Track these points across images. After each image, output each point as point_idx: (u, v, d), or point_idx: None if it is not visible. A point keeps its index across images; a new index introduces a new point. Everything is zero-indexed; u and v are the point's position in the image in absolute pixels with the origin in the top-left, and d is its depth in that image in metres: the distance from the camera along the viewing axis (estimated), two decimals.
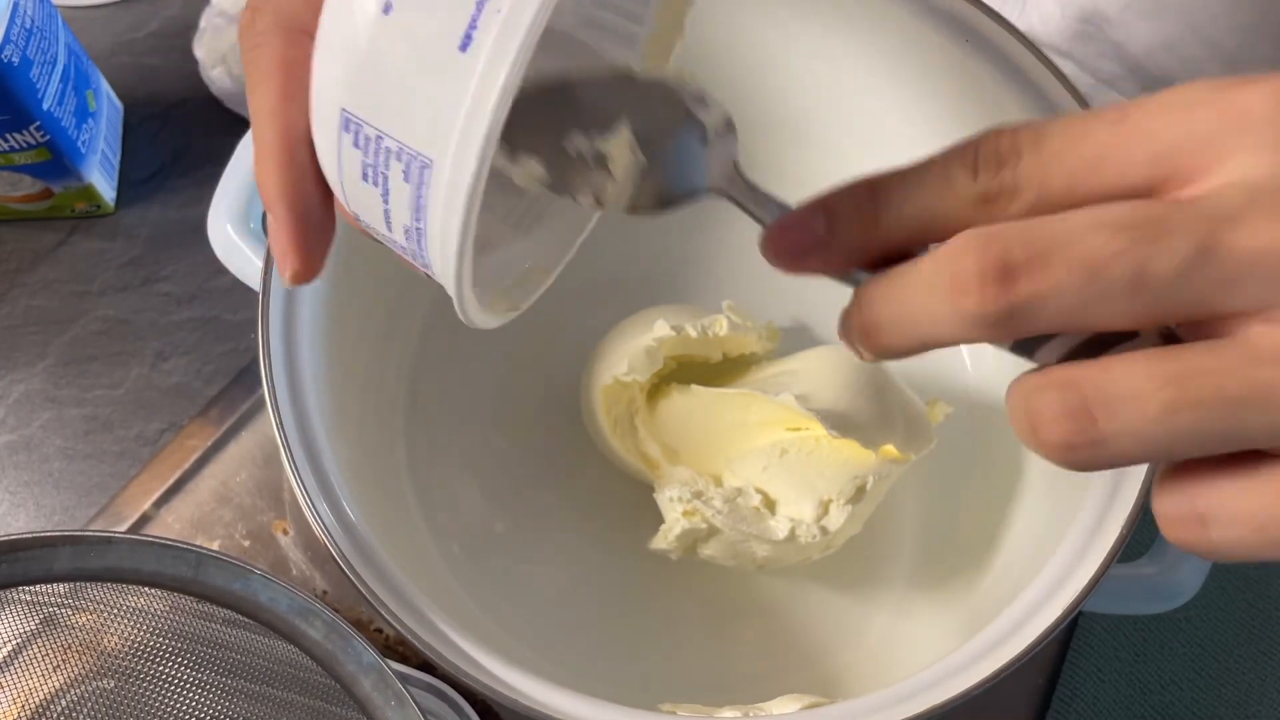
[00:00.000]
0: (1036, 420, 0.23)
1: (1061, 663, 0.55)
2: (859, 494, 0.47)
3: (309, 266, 0.30)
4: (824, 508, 0.47)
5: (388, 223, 0.27)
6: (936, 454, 0.49)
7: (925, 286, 0.25)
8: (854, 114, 0.56)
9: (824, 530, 0.47)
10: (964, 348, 0.57)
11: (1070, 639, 0.55)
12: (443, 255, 0.26)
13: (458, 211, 0.25)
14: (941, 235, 0.25)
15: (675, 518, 0.48)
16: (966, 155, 0.25)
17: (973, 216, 0.25)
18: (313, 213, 0.29)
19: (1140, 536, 0.57)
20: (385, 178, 0.26)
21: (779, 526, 0.47)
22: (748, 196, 0.30)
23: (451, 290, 0.27)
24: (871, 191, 0.27)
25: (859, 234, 0.27)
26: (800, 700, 0.44)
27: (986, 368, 0.56)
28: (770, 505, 0.48)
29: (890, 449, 0.47)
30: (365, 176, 0.26)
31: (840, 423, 0.45)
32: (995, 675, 0.39)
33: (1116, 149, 0.24)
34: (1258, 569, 0.57)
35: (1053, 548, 0.42)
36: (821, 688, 0.50)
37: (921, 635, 0.51)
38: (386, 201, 0.26)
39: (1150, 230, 0.22)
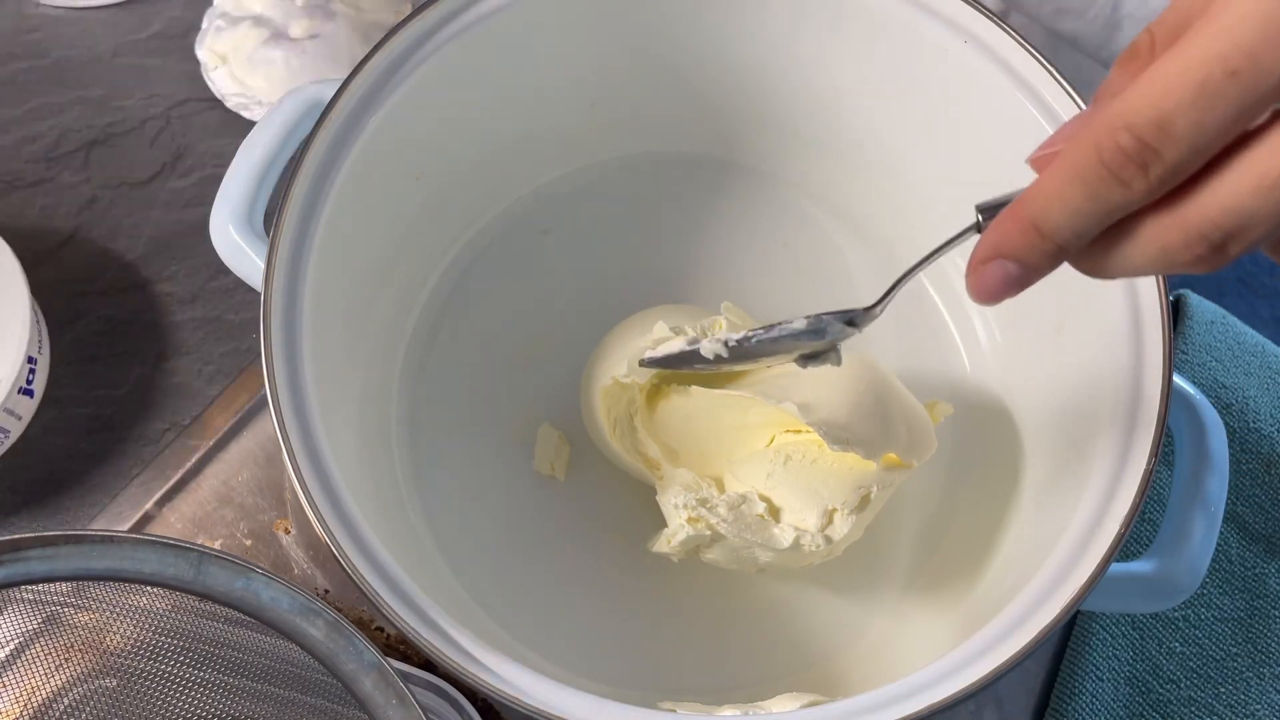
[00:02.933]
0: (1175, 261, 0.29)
1: (1060, 661, 0.55)
2: (863, 503, 0.47)
3: None
4: (828, 517, 0.47)
5: None
6: (936, 454, 0.49)
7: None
8: (848, 116, 0.56)
9: (828, 539, 0.47)
10: (962, 346, 0.57)
11: (1069, 638, 0.55)
12: None
13: None
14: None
15: (679, 524, 0.48)
16: (1098, 169, 0.28)
17: (1143, 203, 0.28)
18: None
19: (1138, 535, 0.57)
20: None
21: (783, 535, 0.47)
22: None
23: None
24: (1038, 231, 0.30)
25: (1048, 263, 0.31)
26: (799, 699, 0.44)
27: (986, 368, 0.56)
28: (774, 513, 0.48)
29: (893, 456, 0.47)
30: None
31: (841, 435, 0.45)
32: (994, 674, 0.39)
33: (1244, 98, 0.26)
34: (1255, 566, 0.58)
35: (1051, 546, 0.43)
36: (821, 686, 0.50)
37: (920, 634, 0.51)
38: None
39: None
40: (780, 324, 0.42)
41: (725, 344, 0.44)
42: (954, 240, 0.36)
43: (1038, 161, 0.32)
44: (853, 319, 0.41)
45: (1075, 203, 0.29)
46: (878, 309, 0.41)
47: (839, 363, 0.42)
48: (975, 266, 0.32)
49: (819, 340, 0.41)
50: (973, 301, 0.33)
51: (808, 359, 0.42)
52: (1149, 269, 0.30)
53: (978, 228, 0.34)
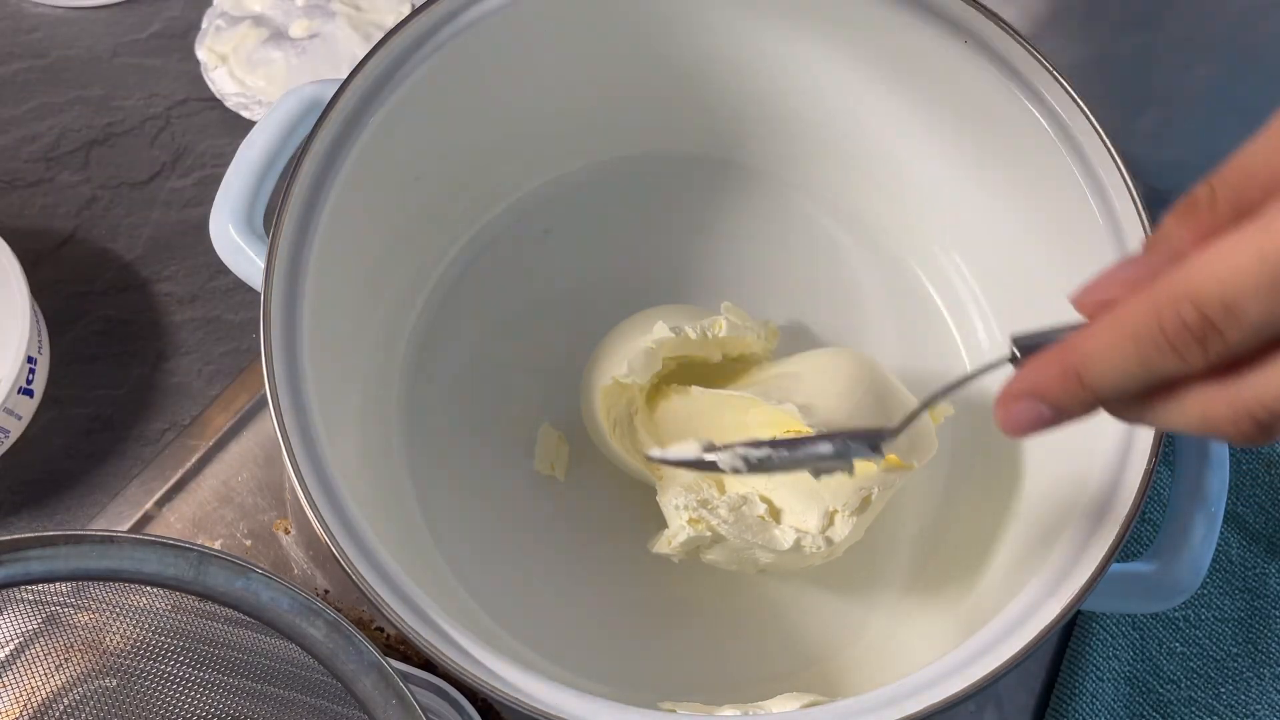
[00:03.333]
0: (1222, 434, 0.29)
1: (1060, 661, 0.55)
2: (864, 505, 0.47)
3: None
4: (829, 519, 0.47)
5: None
6: (936, 455, 0.49)
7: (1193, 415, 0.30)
8: (849, 116, 0.56)
9: (829, 541, 0.47)
10: (962, 346, 0.57)
11: (1069, 638, 0.55)
12: None
13: None
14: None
15: (680, 525, 0.48)
16: (1156, 337, 0.28)
17: (1194, 376, 0.28)
18: None
19: (1138, 535, 0.57)
20: None
21: (784, 537, 0.47)
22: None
23: None
24: (1080, 381, 0.30)
25: (1085, 411, 0.31)
26: (800, 699, 0.44)
27: None
28: (775, 515, 0.48)
29: (893, 458, 0.47)
30: None
31: None
32: (994, 674, 0.39)
33: None
34: (1256, 567, 0.58)
35: (1051, 546, 0.42)
36: (821, 687, 0.50)
37: (921, 634, 0.51)
38: None
39: None
40: (805, 442, 0.41)
41: (745, 460, 0.42)
42: (986, 369, 0.37)
43: (1083, 305, 0.32)
44: (876, 443, 0.40)
45: (1125, 364, 0.29)
46: (901, 431, 0.41)
47: (852, 473, 0.42)
48: (1008, 401, 0.32)
49: (840, 461, 0.41)
50: (1001, 431, 0.33)
51: (820, 470, 0.42)
52: (1187, 431, 0.30)
53: (1012, 359, 0.34)
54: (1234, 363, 0.28)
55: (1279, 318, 0.26)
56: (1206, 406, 0.28)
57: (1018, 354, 0.34)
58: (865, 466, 0.47)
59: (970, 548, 0.51)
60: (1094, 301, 0.31)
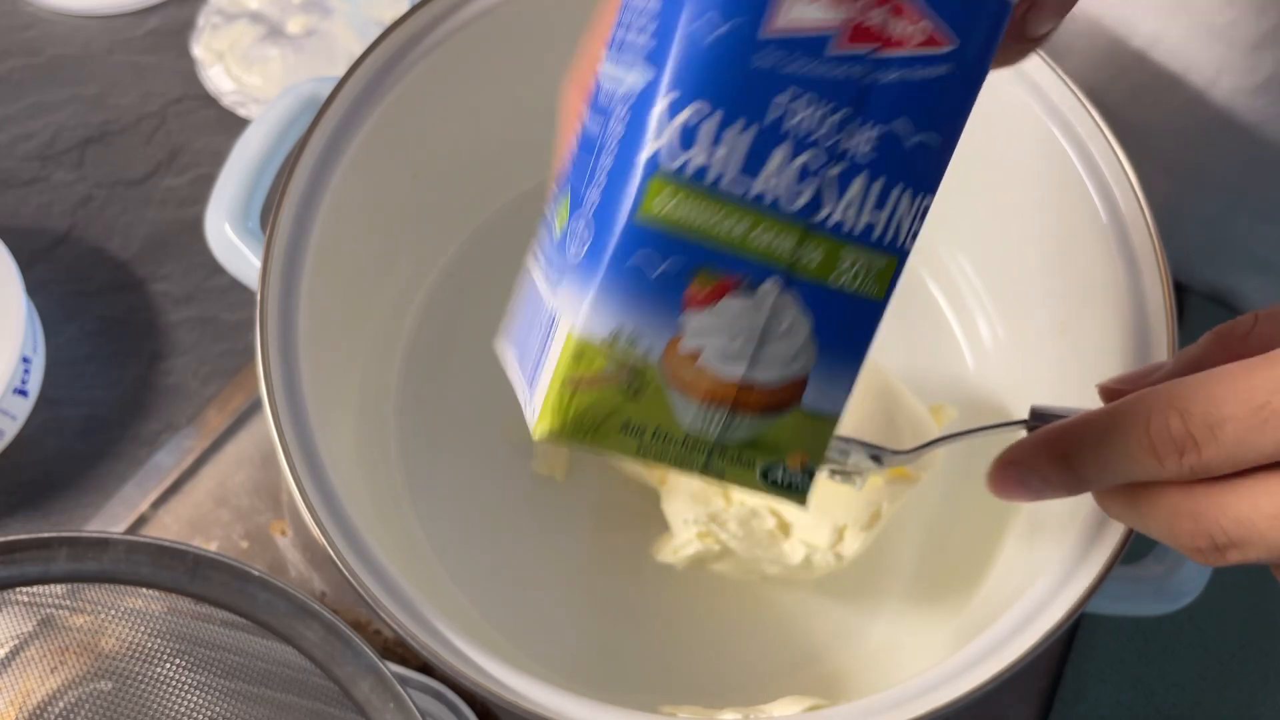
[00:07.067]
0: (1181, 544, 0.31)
1: (1064, 665, 0.55)
2: (873, 519, 0.47)
3: None
4: (839, 534, 0.47)
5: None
6: (939, 458, 0.49)
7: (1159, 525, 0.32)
8: None
9: (839, 556, 0.47)
10: (967, 350, 0.57)
11: (1073, 640, 0.55)
12: None
13: None
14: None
15: (688, 538, 0.47)
16: (1141, 437, 0.30)
17: (1170, 480, 0.30)
18: None
19: (1143, 537, 0.57)
20: None
21: (794, 552, 0.47)
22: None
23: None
24: (1068, 463, 0.32)
25: (1067, 491, 0.33)
26: (801, 702, 0.44)
27: (989, 368, 0.56)
28: (784, 529, 0.47)
29: (901, 469, 0.47)
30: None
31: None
32: (998, 677, 0.39)
33: None
34: (1261, 570, 0.57)
35: (1056, 549, 0.42)
36: (823, 690, 0.50)
37: (923, 637, 0.50)
38: None
39: None
40: None
41: None
42: (1000, 426, 0.38)
43: (1105, 392, 0.34)
44: (878, 455, 0.42)
45: (1109, 456, 0.31)
46: (905, 456, 0.42)
47: (859, 487, 0.43)
48: (1004, 465, 0.34)
49: (844, 459, 0.42)
50: (987, 488, 0.35)
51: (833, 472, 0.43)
52: (1153, 534, 0.32)
53: (1026, 426, 0.36)
54: (1208, 478, 0.29)
55: (1252, 447, 0.28)
56: (1173, 516, 0.30)
57: (1032, 423, 0.36)
58: (872, 480, 0.47)
59: (973, 550, 0.51)
60: (1113, 391, 0.34)
